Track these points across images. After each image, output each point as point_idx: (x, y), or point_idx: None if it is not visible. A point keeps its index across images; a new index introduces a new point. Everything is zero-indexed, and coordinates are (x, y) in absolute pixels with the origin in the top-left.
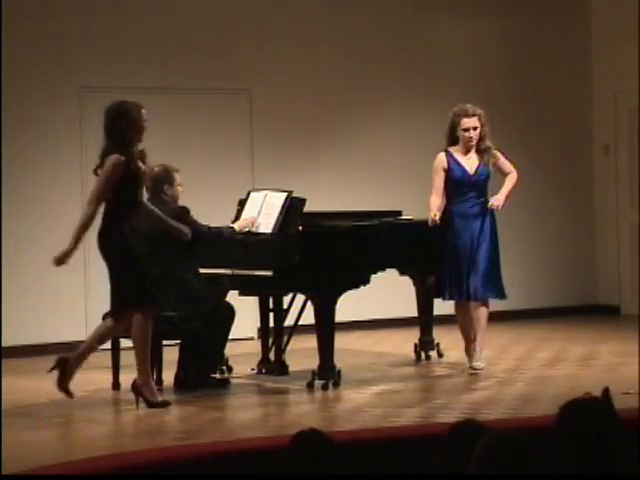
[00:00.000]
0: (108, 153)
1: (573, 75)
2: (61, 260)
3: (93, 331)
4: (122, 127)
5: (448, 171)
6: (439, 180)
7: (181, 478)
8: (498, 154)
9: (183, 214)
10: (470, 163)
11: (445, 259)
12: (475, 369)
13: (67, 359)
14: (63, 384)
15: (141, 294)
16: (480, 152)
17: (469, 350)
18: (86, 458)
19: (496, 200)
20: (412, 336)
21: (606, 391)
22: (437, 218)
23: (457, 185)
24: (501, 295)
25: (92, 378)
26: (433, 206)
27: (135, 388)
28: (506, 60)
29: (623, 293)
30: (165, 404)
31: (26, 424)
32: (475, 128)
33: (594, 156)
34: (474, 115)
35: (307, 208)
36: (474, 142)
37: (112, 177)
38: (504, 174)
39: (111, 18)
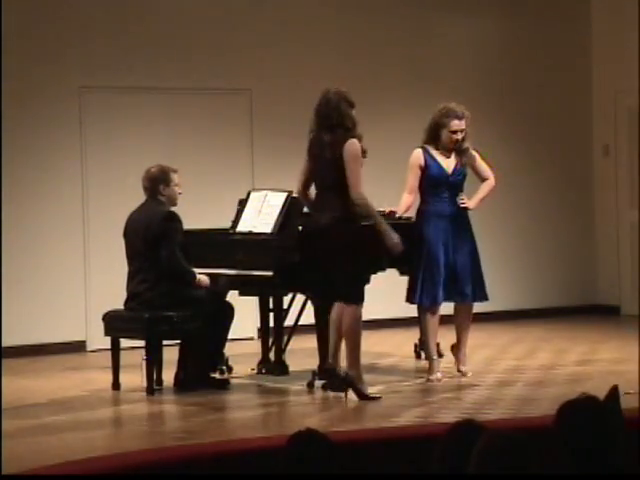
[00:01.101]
0: (340, 138)
1: (573, 75)
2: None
3: (334, 324)
4: (347, 112)
5: (425, 169)
6: (414, 178)
7: (181, 478)
8: (475, 155)
9: (171, 222)
10: (448, 162)
11: (419, 261)
12: (465, 374)
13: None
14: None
15: (363, 290)
16: (458, 152)
17: (430, 357)
18: (86, 458)
19: (468, 201)
20: (412, 336)
21: (614, 389)
22: (396, 213)
23: (433, 184)
24: (486, 297)
25: (92, 378)
26: (402, 204)
27: (346, 379)
28: (506, 60)
29: (623, 293)
30: (376, 397)
31: (26, 424)
32: (462, 131)
33: (594, 156)
34: (463, 117)
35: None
36: (457, 144)
37: (360, 161)
38: (480, 178)
39: (111, 18)
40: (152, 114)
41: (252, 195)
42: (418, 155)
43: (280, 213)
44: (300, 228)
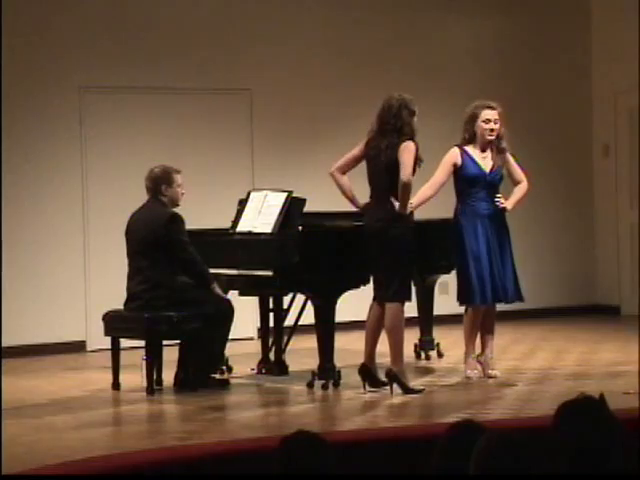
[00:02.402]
0: (396, 143)
1: (573, 75)
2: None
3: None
4: (407, 119)
5: (460, 168)
6: (442, 174)
7: (181, 478)
8: (510, 158)
9: (175, 224)
10: (486, 162)
11: (463, 262)
12: (494, 377)
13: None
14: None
15: (409, 289)
16: (497, 151)
17: (469, 354)
18: (86, 458)
19: (505, 202)
20: (412, 336)
21: (601, 397)
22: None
23: (470, 183)
24: (522, 298)
25: (92, 378)
26: (420, 195)
27: (390, 375)
28: (506, 60)
29: (623, 293)
30: (420, 390)
31: (26, 424)
32: (496, 122)
33: (594, 156)
34: (495, 109)
35: (307, 208)
36: (494, 136)
37: (413, 157)
38: (514, 181)
39: (111, 18)
40: (152, 114)
41: (252, 195)
42: (455, 153)
43: (280, 213)
44: (300, 228)
